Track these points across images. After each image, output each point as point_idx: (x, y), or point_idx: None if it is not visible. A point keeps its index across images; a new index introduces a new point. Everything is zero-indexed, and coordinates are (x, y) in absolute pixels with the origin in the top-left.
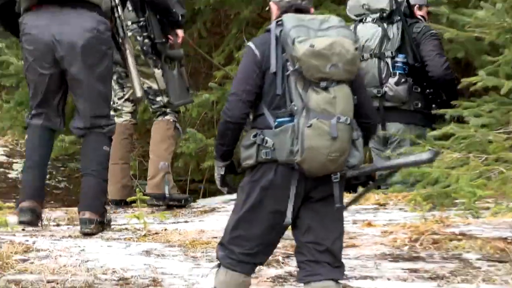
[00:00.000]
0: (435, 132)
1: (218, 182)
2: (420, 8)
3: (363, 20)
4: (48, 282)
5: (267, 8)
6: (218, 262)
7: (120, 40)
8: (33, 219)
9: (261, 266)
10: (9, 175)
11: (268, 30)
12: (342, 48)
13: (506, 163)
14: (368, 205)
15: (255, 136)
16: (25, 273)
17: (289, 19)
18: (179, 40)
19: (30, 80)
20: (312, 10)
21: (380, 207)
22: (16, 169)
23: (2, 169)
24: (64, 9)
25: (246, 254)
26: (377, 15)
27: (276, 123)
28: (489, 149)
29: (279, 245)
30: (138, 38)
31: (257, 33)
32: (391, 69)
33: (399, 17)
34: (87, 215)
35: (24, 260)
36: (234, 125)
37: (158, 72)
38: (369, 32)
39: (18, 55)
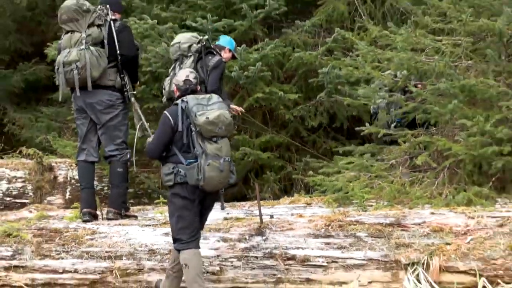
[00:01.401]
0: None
1: None
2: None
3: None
4: (106, 252)
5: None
6: (179, 249)
7: (128, 100)
8: (90, 219)
9: (234, 241)
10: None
11: (176, 104)
12: (224, 117)
13: (382, 178)
14: (300, 204)
15: (173, 168)
16: (92, 247)
17: (190, 99)
18: None
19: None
20: (199, 88)
21: (307, 205)
22: None
23: (78, 184)
24: (92, 90)
25: (190, 236)
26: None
27: (187, 162)
28: (372, 170)
29: (246, 227)
30: None
31: None
32: None
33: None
34: (112, 209)
35: (91, 239)
36: (154, 159)
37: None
38: None
39: None
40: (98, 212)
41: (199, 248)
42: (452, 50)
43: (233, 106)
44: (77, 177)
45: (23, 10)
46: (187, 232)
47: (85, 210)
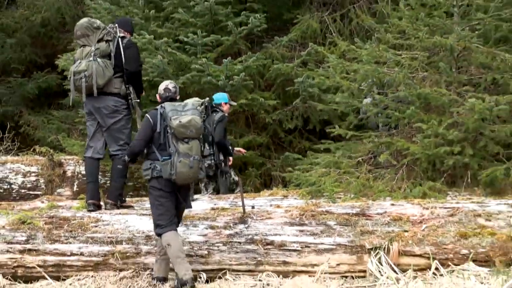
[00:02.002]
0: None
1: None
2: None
3: None
4: (108, 237)
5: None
6: (160, 234)
7: (132, 108)
8: (94, 208)
9: (220, 228)
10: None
11: (157, 109)
12: (195, 122)
13: (349, 174)
14: (278, 196)
15: (150, 164)
16: (96, 233)
17: (167, 105)
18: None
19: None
20: (178, 96)
21: (284, 197)
22: None
23: (85, 178)
24: (99, 96)
25: (168, 221)
26: None
27: (162, 158)
28: (341, 167)
29: (231, 216)
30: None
31: None
32: None
33: None
34: (109, 201)
35: (95, 226)
36: (136, 153)
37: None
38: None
39: None
40: (101, 203)
41: (177, 230)
42: (410, 63)
43: (236, 148)
44: (83, 171)
45: (37, 26)
46: (165, 218)
47: (90, 201)
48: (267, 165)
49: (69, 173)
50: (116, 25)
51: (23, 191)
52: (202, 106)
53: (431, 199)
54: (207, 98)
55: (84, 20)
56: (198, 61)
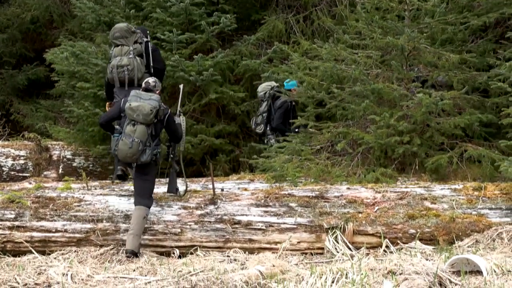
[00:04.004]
0: (277, 144)
1: None
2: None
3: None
4: (90, 216)
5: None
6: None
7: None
8: (123, 174)
9: (192, 209)
10: (73, 164)
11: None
12: (143, 108)
13: (310, 161)
14: (245, 180)
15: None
16: (79, 212)
17: (133, 92)
18: None
19: None
20: (157, 90)
21: (251, 181)
22: (79, 162)
23: (69, 162)
24: (136, 87)
25: None
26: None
27: (114, 135)
28: (302, 154)
29: (202, 198)
30: None
31: None
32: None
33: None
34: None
35: (78, 205)
36: (100, 124)
37: None
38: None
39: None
40: (84, 185)
41: (135, 205)
42: (365, 61)
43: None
44: (68, 156)
45: (27, 23)
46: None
47: (119, 167)
48: (235, 152)
49: (55, 157)
50: (141, 31)
51: (12, 173)
52: (271, 91)
53: (383, 183)
54: (274, 84)
55: (123, 24)
56: (172, 57)
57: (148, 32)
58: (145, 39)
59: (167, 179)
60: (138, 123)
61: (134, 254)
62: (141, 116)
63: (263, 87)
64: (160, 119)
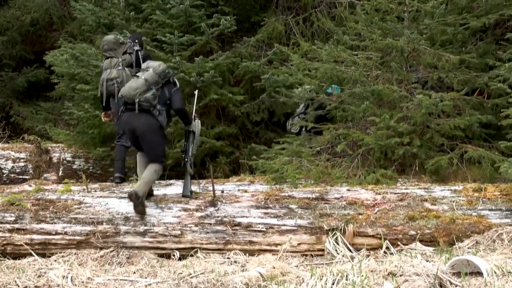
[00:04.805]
0: (277, 146)
1: None
2: None
3: None
4: (90, 218)
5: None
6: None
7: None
8: (120, 181)
9: (192, 211)
10: (73, 166)
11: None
12: (128, 91)
13: (310, 162)
14: (245, 182)
15: None
16: (79, 214)
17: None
18: None
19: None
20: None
21: (251, 183)
22: (79, 164)
23: (69, 164)
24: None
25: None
26: None
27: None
28: (302, 156)
29: (202, 200)
30: None
31: None
32: None
33: None
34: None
35: (78, 208)
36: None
37: None
38: None
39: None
40: (84, 187)
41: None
42: (365, 62)
43: None
44: (68, 158)
45: (27, 25)
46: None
47: (117, 174)
48: (235, 153)
49: (55, 160)
50: (130, 40)
51: (12, 175)
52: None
53: (383, 185)
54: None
55: (111, 36)
56: (172, 59)
57: (142, 38)
58: (136, 48)
59: (167, 181)
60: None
61: (136, 196)
62: (130, 97)
63: (302, 89)
64: (166, 82)
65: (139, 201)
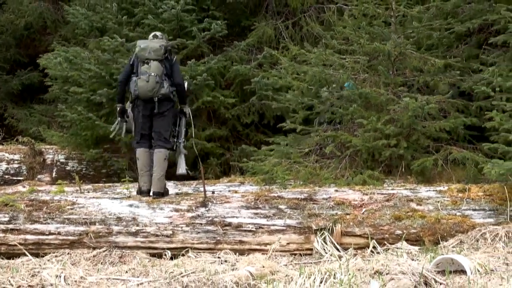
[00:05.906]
0: (266, 147)
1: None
2: None
3: None
4: (83, 218)
5: None
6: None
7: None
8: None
9: (184, 211)
10: (66, 168)
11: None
12: (153, 45)
13: (299, 163)
14: (235, 183)
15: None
16: (72, 214)
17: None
18: None
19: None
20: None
21: (241, 184)
22: (72, 165)
23: (63, 165)
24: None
25: (139, 139)
26: None
27: (134, 78)
28: (291, 157)
29: (193, 200)
30: None
31: None
32: None
33: None
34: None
35: (71, 208)
36: (122, 83)
37: None
38: None
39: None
40: (77, 188)
41: (147, 148)
42: (353, 66)
43: None
44: (61, 160)
45: (21, 29)
46: (137, 136)
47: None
48: (226, 155)
49: (48, 161)
50: None
51: (6, 176)
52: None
53: (370, 186)
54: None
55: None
56: None
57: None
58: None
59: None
60: (151, 60)
61: (160, 195)
62: (152, 53)
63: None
64: (169, 58)
65: (163, 196)
